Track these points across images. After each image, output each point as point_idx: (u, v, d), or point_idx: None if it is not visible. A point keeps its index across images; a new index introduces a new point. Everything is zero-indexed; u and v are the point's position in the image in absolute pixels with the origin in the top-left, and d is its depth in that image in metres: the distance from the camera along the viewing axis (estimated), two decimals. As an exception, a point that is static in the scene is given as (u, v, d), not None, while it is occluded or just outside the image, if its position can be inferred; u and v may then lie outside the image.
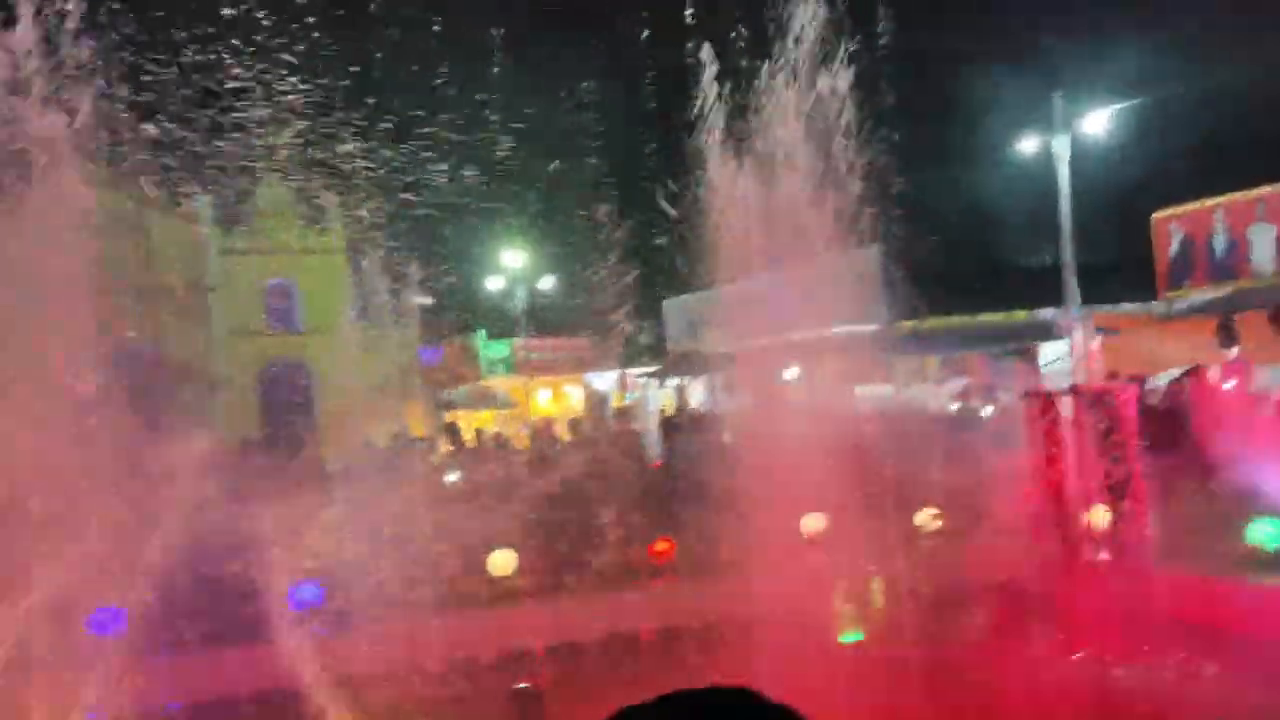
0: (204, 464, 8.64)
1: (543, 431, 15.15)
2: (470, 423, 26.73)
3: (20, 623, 6.86)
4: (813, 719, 1.23)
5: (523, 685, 7.07)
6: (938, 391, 19.81)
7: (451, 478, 11.68)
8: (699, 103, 10.54)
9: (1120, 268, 22.10)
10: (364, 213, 31.19)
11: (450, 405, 28.31)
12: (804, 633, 7.62)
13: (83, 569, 7.27)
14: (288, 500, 9.83)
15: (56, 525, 7.37)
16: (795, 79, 10.03)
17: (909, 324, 19.92)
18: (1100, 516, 9.03)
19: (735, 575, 8.87)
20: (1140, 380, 13.53)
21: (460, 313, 31.43)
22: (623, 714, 1.09)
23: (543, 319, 30.26)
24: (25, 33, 8.31)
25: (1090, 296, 19.12)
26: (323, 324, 30.90)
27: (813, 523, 10.01)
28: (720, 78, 10.40)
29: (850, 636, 8.13)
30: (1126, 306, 21.04)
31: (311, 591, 9.33)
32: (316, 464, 13.84)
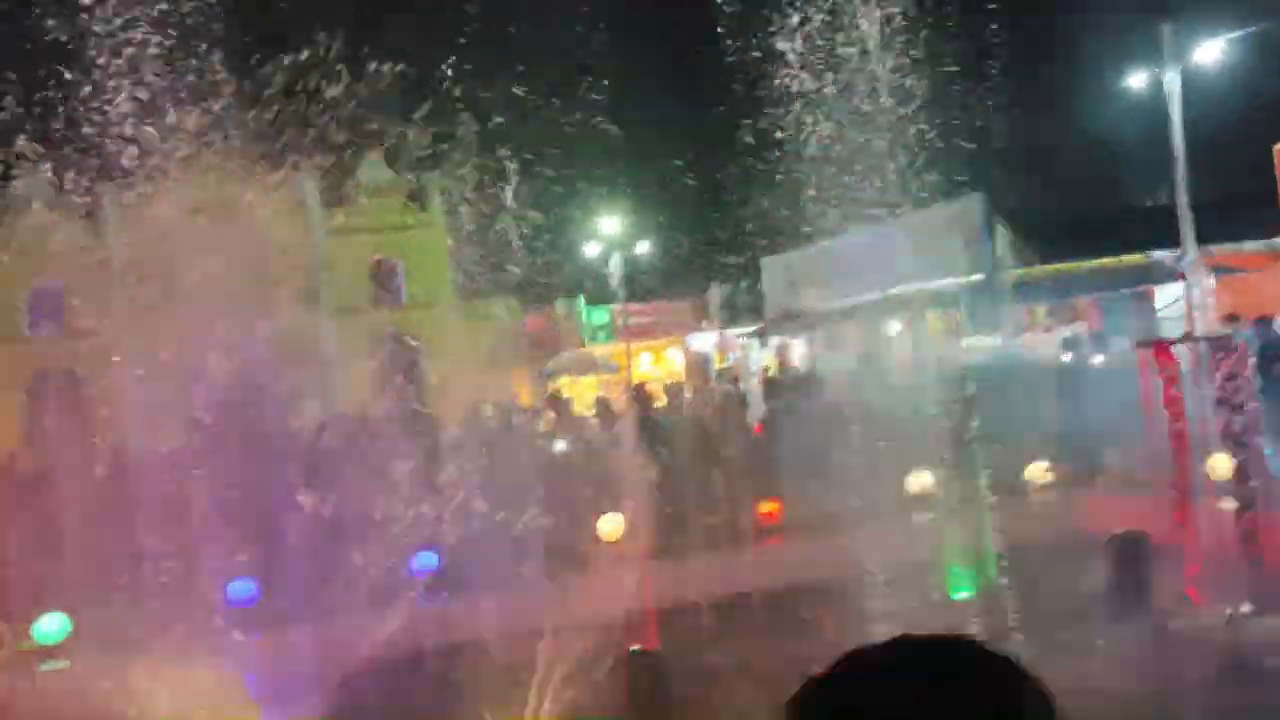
0: (327, 439, 8.97)
1: (645, 396, 15.26)
2: (573, 389, 27.07)
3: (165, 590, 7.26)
4: None
5: (638, 647, 7.21)
6: (1048, 341, 19.27)
7: (559, 445, 11.88)
8: (794, 51, 10.41)
9: (1240, 204, 21.05)
10: (463, 185, 31.69)
11: (554, 373, 28.69)
12: (912, 590, 7.59)
13: (219, 542, 7.65)
14: (404, 470, 10.16)
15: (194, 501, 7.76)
16: (896, 22, 9.84)
17: (1016, 272, 19.39)
18: (1222, 464, 8.73)
19: (842, 534, 8.86)
20: (1266, 321, 12.95)
21: (560, 280, 31.76)
22: (852, 654, 1.13)
23: (641, 283, 30.35)
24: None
25: (1208, 235, 18.25)
26: (426, 298, 31.57)
27: (919, 480, 9.92)
28: (814, 25, 10.25)
29: (960, 592, 8.06)
30: (1247, 245, 20.07)
31: (429, 559, 9.64)
32: (429, 435, 14.20)
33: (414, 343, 31.77)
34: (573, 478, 10.25)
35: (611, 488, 10.89)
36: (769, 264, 27.43)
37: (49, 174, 28.62)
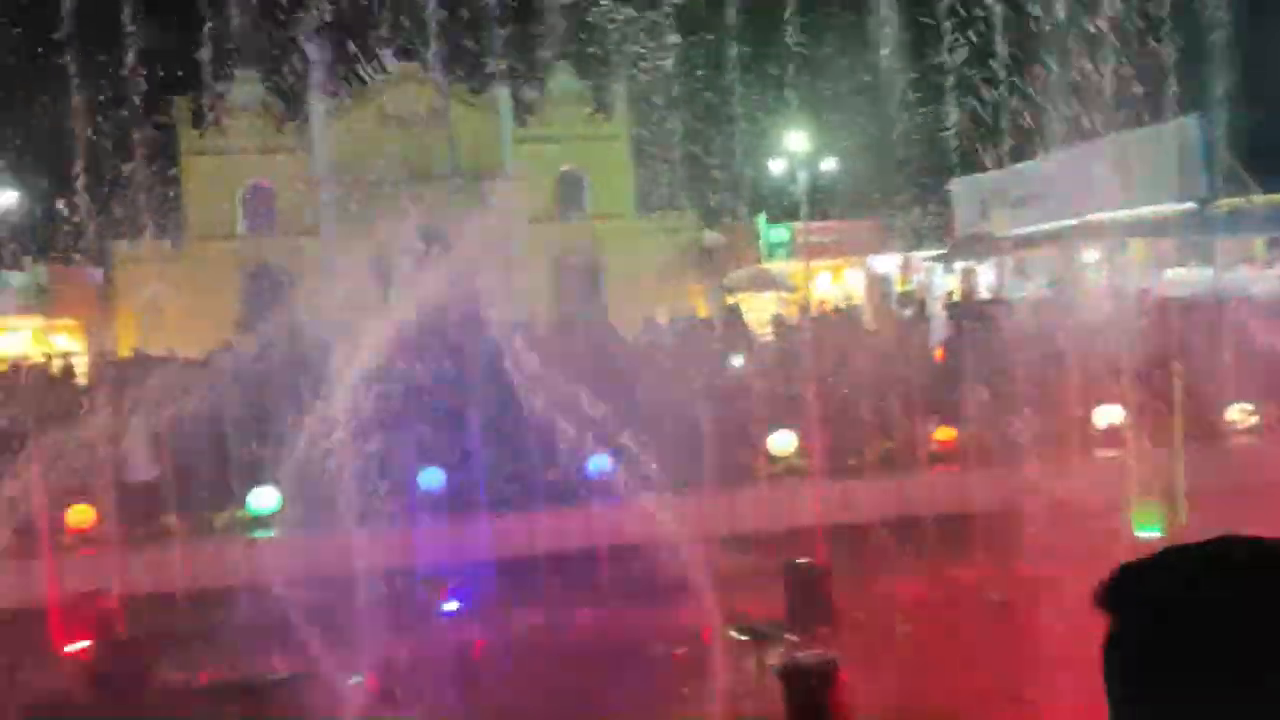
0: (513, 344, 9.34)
1: (831, 314, 15.11)
2: (751, 305, 27.04)
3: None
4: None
5: (802, 560, 7.32)
6: (1266, 276, 17.94)
7: (735, 359, 11.97)
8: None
9: None
10: (649, 98, 31.69)
11: (732, 288, 28.69)
12: (1091, 525, 7.37)
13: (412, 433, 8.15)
14: (580, 379, 10.48)
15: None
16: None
17: (1232, 201, 18.03)
18: None
19: (1022, 465, 8.65)
20: None
21: (742, 196, 31.50)
22: (1166, 552, 1.10)
23: (825, 201, 29.76)
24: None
25: None
26: (609, 210, 31.97)
27: (1107, 415, 9.55)
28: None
29: (1147, 529, 7.77)
30: None
31: (603, 462, 9.98)
32: (605, 346, 14.56)
33: (593, 253, 32.37)
34: (745, 392, 10.34)
35: (784, 405, 10.94)
36: (959, 185, 26.44)
37: (260, 81, 30.14)
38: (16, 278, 25.73)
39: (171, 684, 6.71)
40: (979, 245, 23.85)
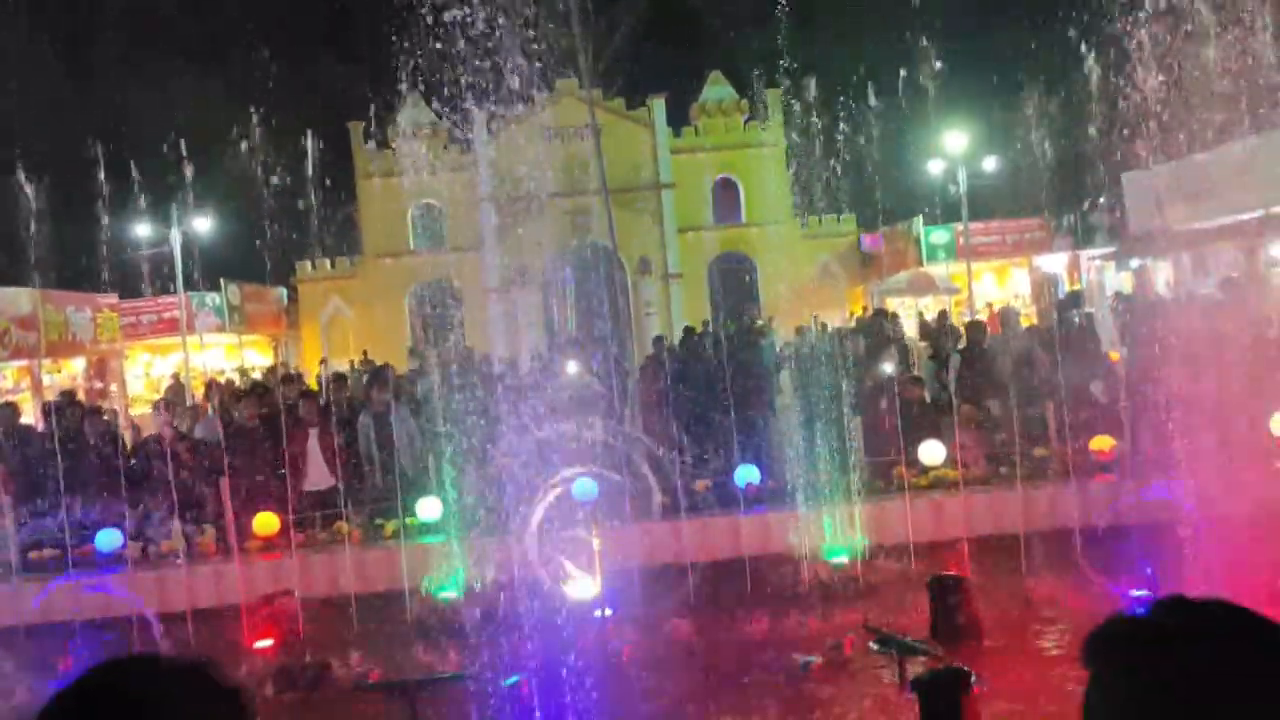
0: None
1: (978, 327, 14.73)
2: (910, 309, 26.54)
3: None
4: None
5: (946, 573, 7.28)
6: None
7: (885, 367, 11.88)
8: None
9: None
10: (805, 101, 31.53)
11: (890, 292, 28.25)
12: (1267, 540, 7.03)
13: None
14: (724, 390, 10.66)
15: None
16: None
17: None
18: None
19: (1186, 475, 8.30)
20: None
21: (900, 198, 30.95)
22: (1152, 611, 1.18)
23: (986, 201, 28.92)
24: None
25: None
26: (765, 216, 31.98)
27: (1283, 423, 9.06)
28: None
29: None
30: None
31: (750, 472, 10.12)
32: (759, 351, 14.66)
33: (750, 259, 32.43)
34: (891, 401, 10.27)
35: (934, 413, 10.81)
36: (1132, 179, 25.25)
37: (425, 104, 31.45)
38: (212, 298, 27.73)
39: (345, 681, 7.24)
40: (1154, 241, 22.77)
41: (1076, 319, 17.51)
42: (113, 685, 1.21)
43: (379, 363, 18.45)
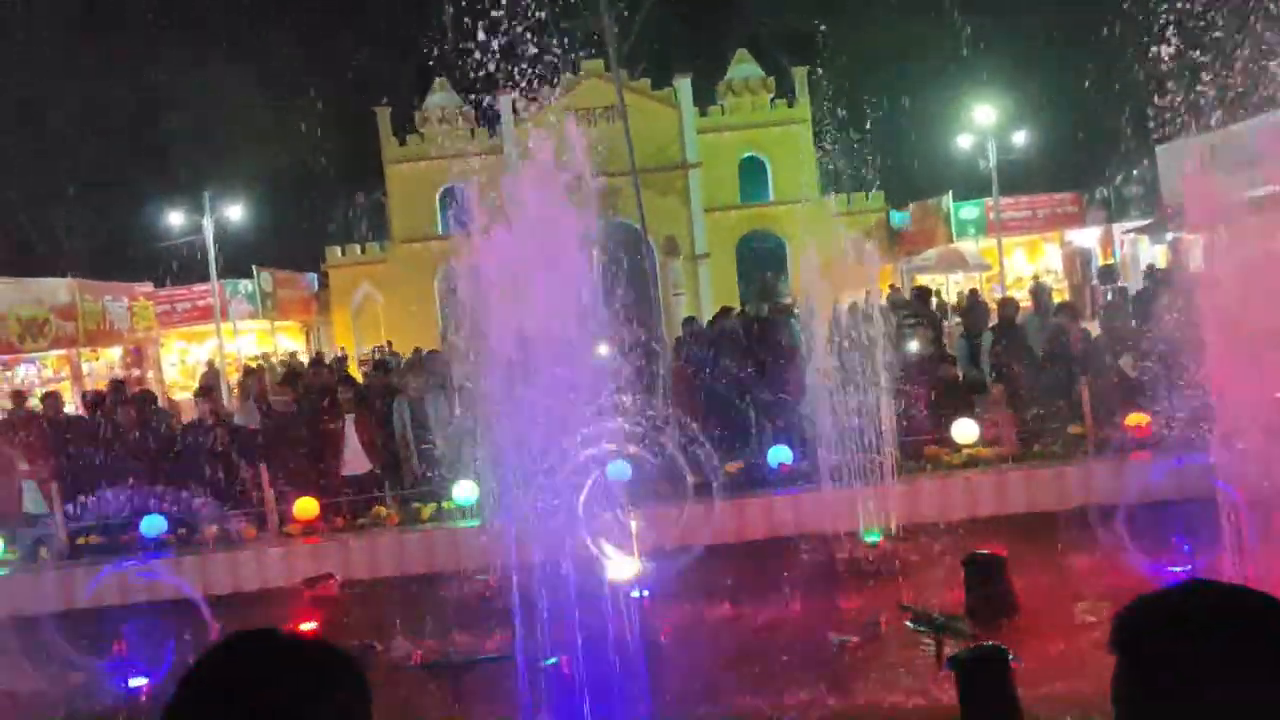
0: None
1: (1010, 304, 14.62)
2: (941, 286, 26.41)
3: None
4: None
5: (982, 551, 7.30)
6: None
7: (913, 345, 11.85)
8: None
9: None
10: (831, 77, 31.32)
11: (920, 269, 28.10)
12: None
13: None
14: (757, 371, 10.68)
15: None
16: None
17: None
18: None
19: (1226, 453, 8.25)
20: None
21: (929, 174, 30.71)
22: (1184, 594, 1.23)
23: (1016, 176, 28.69)
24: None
25: None
26: (792, 194, 31.83)
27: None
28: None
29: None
30: None
31: (783, 454, 10.17)
32: (788, 330, 14.64)
33: (777, 238, 32.30)
34: (923, 379, 10.27)
35: (965, 391, 10.80)
36: (1168, 150, 24.90)
37: (451, 88, 31.51)
38: (244, 285, 28.01)
39: (391, 662, 7.37)
40: (1190, 214, 22.45)
41: (1110, 294, 17.37)
42: (251, 655, 1.30)
43: (413, 349, 18.62)
